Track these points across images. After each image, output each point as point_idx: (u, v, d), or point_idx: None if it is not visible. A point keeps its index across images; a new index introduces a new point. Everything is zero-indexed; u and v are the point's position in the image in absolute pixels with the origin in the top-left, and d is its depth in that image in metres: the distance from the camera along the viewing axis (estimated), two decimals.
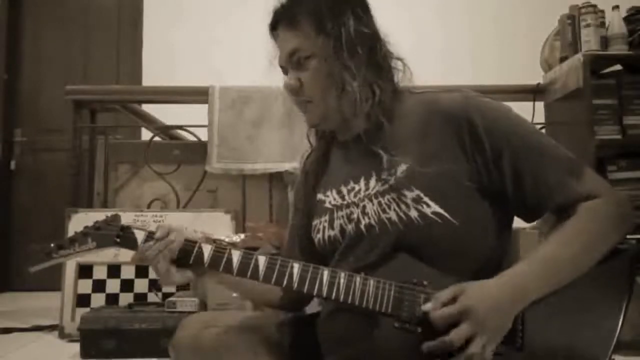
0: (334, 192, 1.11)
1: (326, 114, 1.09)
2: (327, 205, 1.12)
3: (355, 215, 1.05)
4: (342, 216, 1.07)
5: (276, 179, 2.89)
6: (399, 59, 1.10)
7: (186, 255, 1.03)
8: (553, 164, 0.98)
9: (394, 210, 0.99)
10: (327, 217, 1.11)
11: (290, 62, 1.08)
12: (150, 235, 1.06)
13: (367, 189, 1.05)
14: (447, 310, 0.89)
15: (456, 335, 0.87)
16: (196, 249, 1.02)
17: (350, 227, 1.05)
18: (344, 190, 1.09)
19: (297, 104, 1.12)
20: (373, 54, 1.07)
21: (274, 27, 1.11)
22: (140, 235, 1.05)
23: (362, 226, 1.03)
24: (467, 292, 0.90)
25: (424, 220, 0.97)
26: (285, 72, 1.12)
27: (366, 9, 1.10)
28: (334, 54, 1.04)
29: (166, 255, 1.03)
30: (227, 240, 2.42)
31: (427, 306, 0.91)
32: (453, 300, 0.89)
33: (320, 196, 1.15)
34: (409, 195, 0.98)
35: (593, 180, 1.00)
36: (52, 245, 1.07)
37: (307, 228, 1.19)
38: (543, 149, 0.99)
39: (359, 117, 1.08)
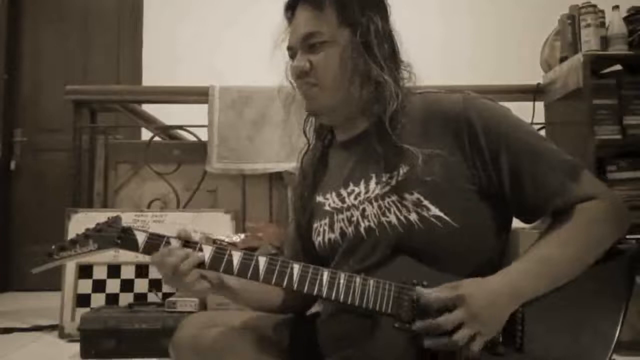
0: (334, 194, 1.11)
1: (333, 104, 1.07)
2: (327, 208, 1.11)
3: (355, 218, 1.05)
4: (343, 219, 1.07)
5: (276, 179, 2.90)
6: (407, 66, 1.09)
7: None
8: (551, 166, 0.98)
9: (394, 213, 0.99)
10: (327, 220, 1.10)
11: (304, 44, 1.06)
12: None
13: (367, 191, 1.05)
14: (442, 295, 0.90)
15: (445, 319, 0.88)
16: (196, 250, 1.02)
17: (350, 230, 1.05)
18: (344, 193, 1.09)
19: (300, 87, 1.09)
20: (395, 53, 1.08)
21: (292, 5, 1.10)
22: (141, 237, 1.04)
23: (362, 229, 1.03)
24: (464, 284, 0.91)
25: (424, 224, 0.97)
26: (292, 54, 1.10)
27: (387, 10, 1.10)
28: (359, 46, 1.03)
29: (191, 263, 1.00)
30: (227, 240, 2.42)
31: (421, 289, 0.91)
32: (450, 290, 0.90)
33: (319, 199, 1.15)
34: (409, 198, 0.98)
35: (590, 181, 1.00)
36: (53, 246, 1.07)
37: (307, 230, 1.18)
38: (541, 151, 0.99)
39: (369, 112, 1.07)
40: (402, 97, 1.05)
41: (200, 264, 1.00)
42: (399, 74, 1.08)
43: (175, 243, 1.02)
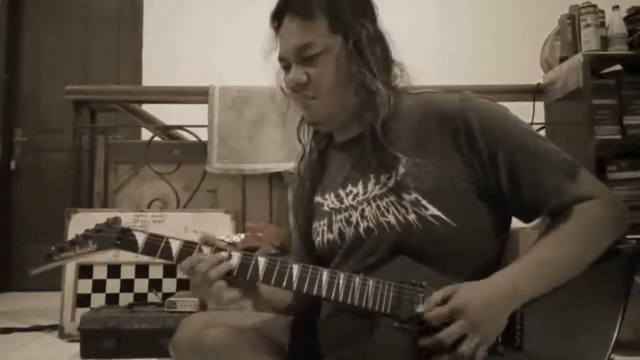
0: (332, 195, 1.11)
1: (332, 112, 1.07)
2: (325, 208, 1.11)
3: (354, 219, 1.05)
4: (341, 219, 1.07)
5: (276, 179, 2.90)
6: (399, 64, 1.09)
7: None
8: (549, 166, 0.98)
9: (393, 213, 0.99)
10: (325, 221, 1.11)
11: (298, 56, 1.04)
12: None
13: (365, 192, 1.05)
14: (439, 310, 0.89)
15: (447, 334, 0.88)
16: (196, 251, 1.02)
17: (349, 231, 1.05)
18: (342, 193, 1.09)
19: (297, 99, 1.08)
20: (387, 56, 1.07)
21: (280, 15, 1.07)
22: (140, 238, 1.04)
23: (361, 230, 1.03)
24: (459, 292, 0.90)
25: (423, 223, 0.97)
26: (285, 64, 1.08)
27: (376, 14, 1.09)
28: (353, 54, 1.02)
29: (220, 271, 0.98)
30: (227, 240, 2.42)
31: (421, 308, 0.91)
32: (445, 300, 0.90)
33: (318, 199, 1.15)
34: (407, 198, 0.98)
35: (588, 181, 1.00)
36: (52, 247, 1.07)
37: (308, 231, 1.18)
38: (539, 150, 0.99)
39: (361, 118, 1.07)
40: (394, 100, 1.04)
41: (229, 272, 0.98)
42: (391, 76, 1.07)
43: (175, 245, 1.02)
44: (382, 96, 1.03)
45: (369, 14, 1.07)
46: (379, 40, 1.06)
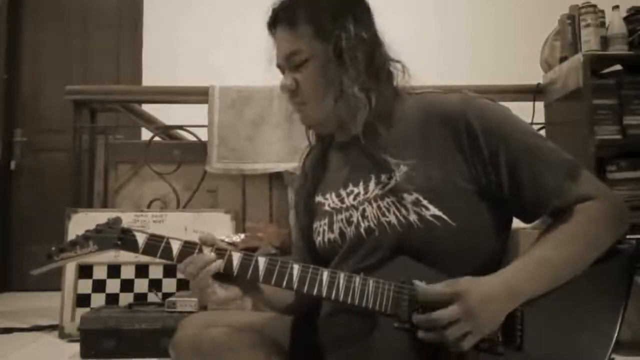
0: (333, 195, 1.11)
1: (322, 118, 1.09)
2: (327, 208, 1.12)
3: (354, 219, 1.05)
4: (342, 219, 1.07)
5: (276, 179, 2.90)
6: (397, 61, 1.09)
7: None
8: (550, 166, 0.98)
9: (394, 213, 1.00)
10: (326, 220, 1.11)
11: (288, 63, 1.08)
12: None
13: (366, 192, 1.05)
14: (440, 289, 0.90)
15: (441, 314, 0.88)
16: (196, 251, 1.02)
17: (350, 231, 1.06)
18: (343, 193, 1.09)
19: (292, 105, 1.11)
20: (372, 58, 1.06)
21: (272, 25, 1.10)
22: (141, 238, 1.04)
23: (361, 229, 1.03)
24: (461, 281, 0.91)
25: (423, 223, 0.97)
26: (282, 71, 1.11)
27: (366, 11, 1.09)
28: (333, 59, 1.03)
29: (209, 271, 0.99)
30: (227, 240, 2.42)
31: (420, 283, 0.91)
32: (448, 287, 0.91)
33: (319, 199, 1.15)
34: (408, 198, 0.99)
35: (589, 181, 1.00)
36: (53, 248, 1.07)
37: (309, 230, 1.19)
38: (540, 151, 0.99)
39: (356, 121, 1.07)
40: (376, 103, 1.04)
41: (228, 272, 0.99)
42: (384, 75, 1.07)
43: (175, 245, 1.02)
44: (358, 101, 1.03)
45: (357, 14, 1.07)
46: (363, 42, 1.05)
